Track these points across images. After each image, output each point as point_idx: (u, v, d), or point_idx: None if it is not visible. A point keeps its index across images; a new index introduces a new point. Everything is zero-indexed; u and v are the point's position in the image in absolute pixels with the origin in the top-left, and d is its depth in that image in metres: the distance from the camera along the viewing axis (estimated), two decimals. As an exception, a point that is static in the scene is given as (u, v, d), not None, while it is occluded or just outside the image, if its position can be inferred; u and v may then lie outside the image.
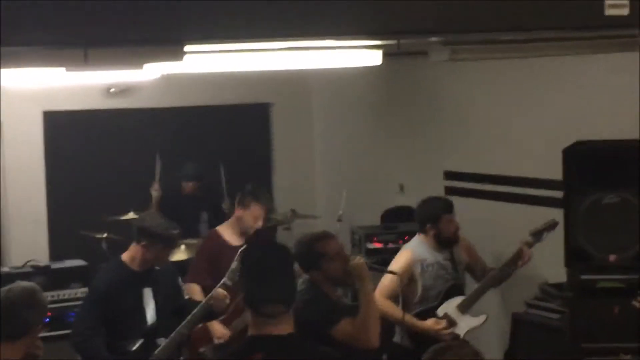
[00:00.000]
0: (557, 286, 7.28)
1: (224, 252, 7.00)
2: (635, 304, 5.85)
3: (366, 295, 5.31)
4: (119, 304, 6.03)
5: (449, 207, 6.74)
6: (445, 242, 6.70)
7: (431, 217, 6.69)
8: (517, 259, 6.74)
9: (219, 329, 6.87)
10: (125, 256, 6.16)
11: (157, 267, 6.18)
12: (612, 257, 6.65)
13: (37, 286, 4.65)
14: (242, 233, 7.23)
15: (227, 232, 7.31)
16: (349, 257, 5.48)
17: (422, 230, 6.76)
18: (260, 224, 7.29)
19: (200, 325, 6.68)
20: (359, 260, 5.40)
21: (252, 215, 7.26)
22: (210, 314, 6.25)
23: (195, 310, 6.13)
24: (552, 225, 6.81)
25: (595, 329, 6.69)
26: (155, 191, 9.72)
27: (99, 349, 5.98)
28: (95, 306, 6.04)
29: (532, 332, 7.49)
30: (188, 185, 9.77)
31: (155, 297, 6.15)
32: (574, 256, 6.74)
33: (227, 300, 6.17)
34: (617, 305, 6.60)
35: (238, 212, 7.31)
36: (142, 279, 6.12)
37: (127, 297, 6.06)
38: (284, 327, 4.17)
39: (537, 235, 6.79)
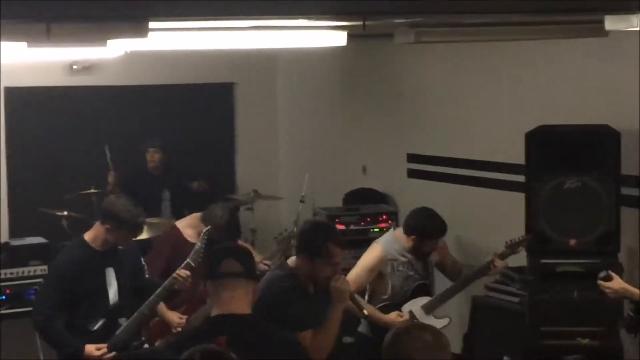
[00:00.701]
0: (518, 270, 7.30)
1: (183, 249, 6.83)
2: (602, 283, 5.83)
3: (334, 319, 5.13)
4: (81, 283, 5.99)
5: (442, 233, 6.55)
6: (420, 255, 6.55)
7: (422, 234, 6.47)
8: (486, 270, 6.64)
9: (175, 319, 6.73)
10: (87, 235, 6.12)
11: (120, 247, 6.15)
12: (572, 242, 6.69)
13: None
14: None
15: (187, 229, 7.21)
16: (340, 270, 5.27)
17: (405, 232, 6.54)
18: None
19: (157, 319, 6.64)
20: (343, 284, 5.17)
21: (216, 236, 7.03)
22: (171, 294, 6.24)
23: (158, 291, 6.12)
24: (528, 240, 6.73)
25: (554, 313, 6.73)
26: (111, 177, 9.54)
27: (60, 329, 5.95)
28: (57, 285, 6.00)
29: (491, 316, 7.52)
30: (153, 156, 9.65)
31: (118, 277, 6.12)
32: (534, 240, 6.77)
33: (190, 280, 6.16)
34: (576, 290, 6.64)
35: (205, 225, 6.92)
36: (104, 259, 6.08)
37: (89, 276, 6.02)
38: (244, 306, 4.18)
39: (513, 247, 6.66)
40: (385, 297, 6.59)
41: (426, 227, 6.48)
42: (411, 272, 6.60)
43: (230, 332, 4.01)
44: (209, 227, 6.51)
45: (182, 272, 6.14)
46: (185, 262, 6.17)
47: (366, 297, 6.64)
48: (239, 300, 4.22)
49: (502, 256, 6.64)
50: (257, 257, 7.53)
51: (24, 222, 9.58)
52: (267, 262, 7.35)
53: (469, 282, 6.75)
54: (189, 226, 7.27)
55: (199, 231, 6.94)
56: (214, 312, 4.24)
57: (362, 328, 6.69)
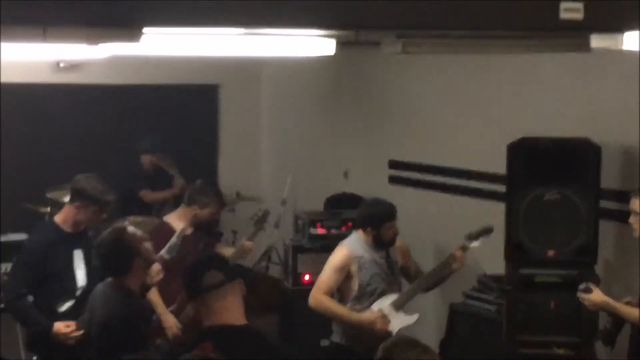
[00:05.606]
0: (496, 278, 7.37)
1: None
2: (582, 295, 5.93)
3: None
4: (49, 263, 6.11)
5: (392, 214, 6.71)
6: (382, 244, 6.71)
7: (374, 221, 6.66)
8: (450, 262, 6.78)
9: (169, 319, 6.66)
10: (58, 217, 6.26)
11: (90, 234, 6.22)
12: (550, 253, 6.76)
13: None
14: (194, 223, 7.10)
15: (177, 222, 7.08)
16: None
17: (361, 228, 6.76)
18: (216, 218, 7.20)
19: (155, 318, 6.65)
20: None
21: (206, 216, 7.15)
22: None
23: None
24: (487, 230, 6.82)
25: (531, 322, 6.80)
26: None
27: (29, 306, 6.12)
28: (26, 265, 6.16)
29: (468, 323, 7.58)
30: (146, 159, 9.77)
31: (87, 259, 6.20)
32: (513, 250, 6.84)
33: (161, 275, 6.10)
34: (553, 300, 6.72)
35: (192, 209, 7.12)
36: (73, 241, 6.20)
37: (58, 257, 6.15)
38: (237, 315, 4.17)
39: (472, 239, 6.82)
40: (352, 296, 6.66)
41: (375, 213, 6.70)
42: (376, 269, 6.70)
43: (226, 344, 3.98)
44: (183, 228, 6.57)
45: (154, 268, 6.13)
46: (159, 254, 6.16)
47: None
48: (231, 309, 4.18)
49: (463, 248, 6.80)
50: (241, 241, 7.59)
51: (8, 218, 9.58)
52: (249, 242, 7.39)
53: (433, 275, 6.85)
54: (178, 218, 7.17)
55: (188, 222, 7.01)
56: (207, 322, 4.19)
57: (335, 337, 6.77)
